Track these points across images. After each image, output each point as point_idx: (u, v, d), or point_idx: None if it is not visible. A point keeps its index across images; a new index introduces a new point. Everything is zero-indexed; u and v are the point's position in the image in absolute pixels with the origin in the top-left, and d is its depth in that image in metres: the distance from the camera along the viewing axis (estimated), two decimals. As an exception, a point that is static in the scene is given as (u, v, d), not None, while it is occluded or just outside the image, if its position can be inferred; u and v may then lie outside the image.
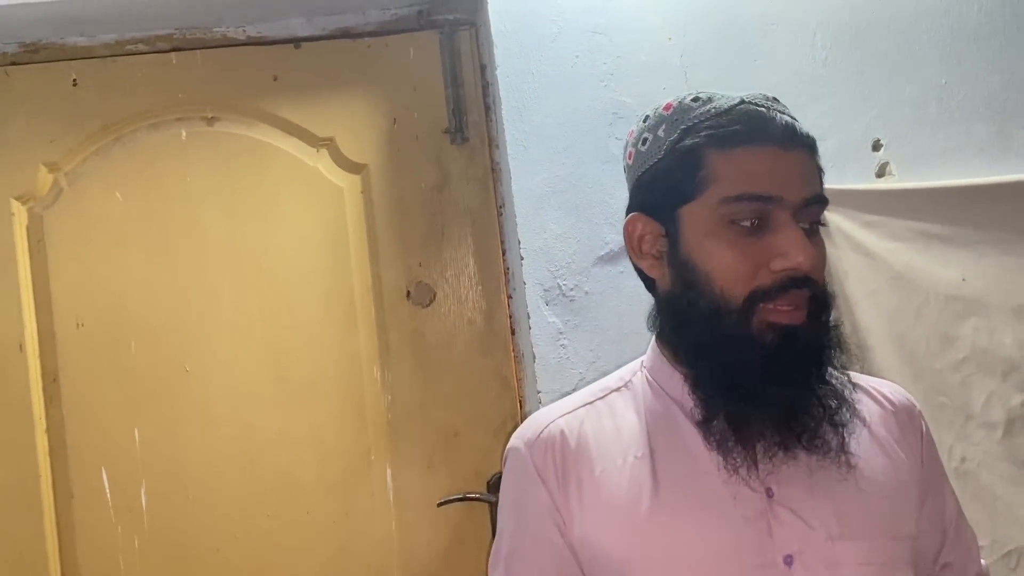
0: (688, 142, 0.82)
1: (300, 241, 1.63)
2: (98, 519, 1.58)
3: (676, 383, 0.87)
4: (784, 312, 0.80)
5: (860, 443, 0.86)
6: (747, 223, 0.80)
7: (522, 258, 1.48)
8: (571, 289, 1.48)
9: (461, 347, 1.64)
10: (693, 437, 0.84)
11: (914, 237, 1.44)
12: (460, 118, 1.63)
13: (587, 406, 0.90)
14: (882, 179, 1.48)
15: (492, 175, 1.65)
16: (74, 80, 1.63)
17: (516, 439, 0.91)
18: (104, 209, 1.62)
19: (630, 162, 0.90)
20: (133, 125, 1.63)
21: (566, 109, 1.49)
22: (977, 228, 1.44)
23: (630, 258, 0.90)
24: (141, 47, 1.65)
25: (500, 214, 1.64)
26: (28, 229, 1.61)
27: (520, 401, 1.63)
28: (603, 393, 0.92)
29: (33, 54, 1.63)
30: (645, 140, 0.87)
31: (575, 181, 1.49)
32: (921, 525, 0.89)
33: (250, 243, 1.62)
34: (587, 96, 1.48)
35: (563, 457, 0.86)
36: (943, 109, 1.48)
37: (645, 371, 0.91)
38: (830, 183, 1.44)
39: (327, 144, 1.64)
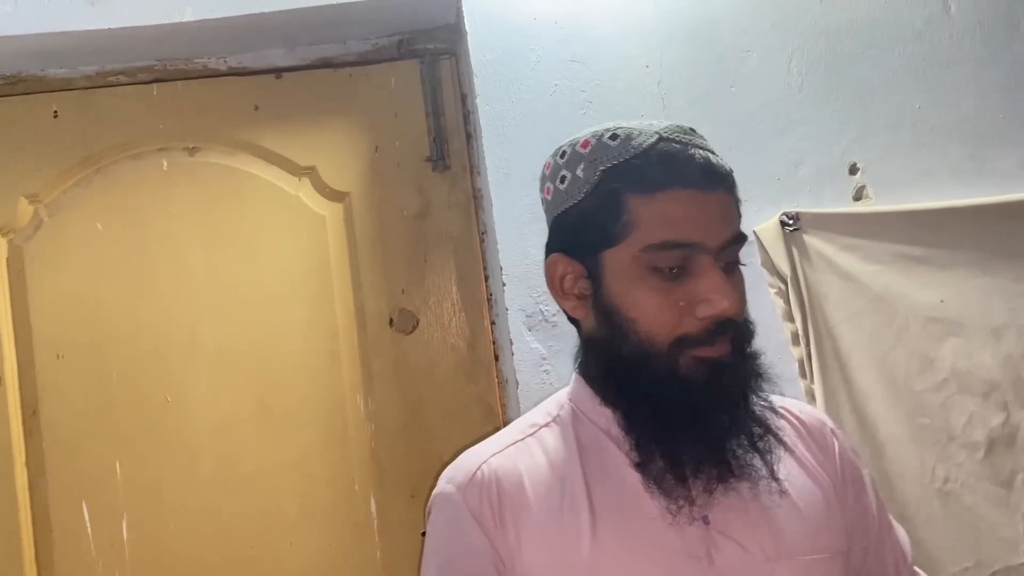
0: (609, 186, 0.82)
1: (282, 270, 1.63)
2: (79, 554, 1.56)
3: (605, 416, 0.86)
4: (710, 349, 0.80)
5: (786, 466, 0.87)
6: (669, 269, 0.80)
7: (504, 284, 1.48)
8: (553, 315, 1.48)
9: (445, 374, 1.63)
10: (628, 469, 0.83)
11: (892, 259, 1.46)
12: (441, 146, 1.64)
13: (517, 444, 0.89)
14: (859, 202, 1.49)
15: (474, 202, 1.65)
16: (55, 112, 1.63)
17: (445, 483, 0.88)
18: (85, 240, 1.62)
19: (548, 197, 0.89)
20: (114, 156, 1.64)
21: (546, 136, 1.49)
22: (953, 250, 1.45)
23: (553, 296, 0.89)
24: (122, 79, 1.65)
25: (482, 240, 1.64)
26: (8, 261, 1.61)
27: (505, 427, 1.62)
28: (532, 429, 0.90)
29: (14, 86, 1.64)
30: (564, 178, 0.86)
31: (556, 207, 1.49)
32: (850, 533, 0.90)
33: (232, 273, 1.62)
34: (566, 123, 1.49)
35: (499, 498, 0.84)
36: (917, 133, 1.50)
37: (572, 405, 0.90)
38: (809, 207, 1.47)
39: (309, 173, 1.65)
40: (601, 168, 0.83)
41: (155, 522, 1.58)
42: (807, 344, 1.44)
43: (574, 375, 0.93)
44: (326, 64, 1.67)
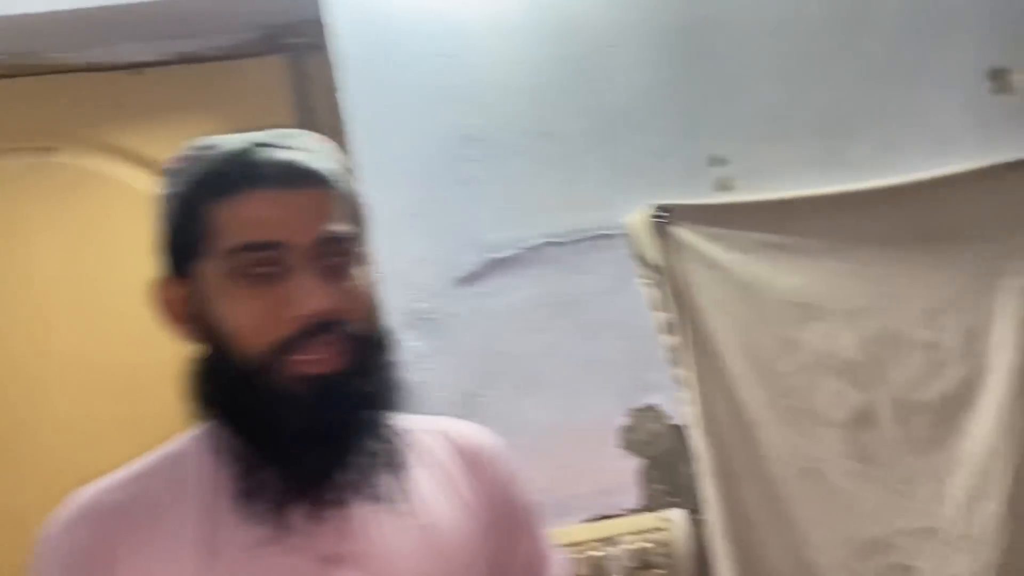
0: (191, 197, 0.80)
1: (145, 274, 1.56)
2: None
3: (210, 452, 0.81)
4: (313, 361, 0.76)
5: (423, 490, 0.84)
6: (258, 272, 0.77)
7: (380, 282, 1.46)
8: (431, 312, 1.47)
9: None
10: (233, 512, 0.78)
11: (756, 248, 1.51)
12: (313, 143, 1.60)
13: (135, 480, 0.83)
14: (724, 193, 1.54)
15: (349, 200, 1.62)
16: None
17: (49, 525, 0.82)
18: (-72, 247, 1.51)
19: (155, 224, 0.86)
20: (-40, 157, 1.54)
21: (417, 132, 1.49)
22: (814, 237, 1.52)
23: (168, 325, 0.85)
24: (-33, 74, 1.55)
25: (358, 239, 1.62)
26: None
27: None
28: (155, 464, 0.84)
29: None
30: (161, 198, 0.84)
31: (429, 204, 1.48)
32: (493, 566, 0.88)
33: (91, 278, 1.55)
34: (437, 119, 1.49)
35: (113, 537, 0.78)
36: (778, 126, 1.56)
37: (197, 439, 0.84)
38: (676, 199, 1.51)
39: (173, 173, 1.59)
40: (184, 181, 0.81)
41: (16, 546, 1.49)
42: (678, 332, 1.47)
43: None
44: (188, 59, 1.61)
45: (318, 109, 1.62)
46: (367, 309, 0.81)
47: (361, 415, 0.79)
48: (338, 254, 0.79)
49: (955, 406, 1.52)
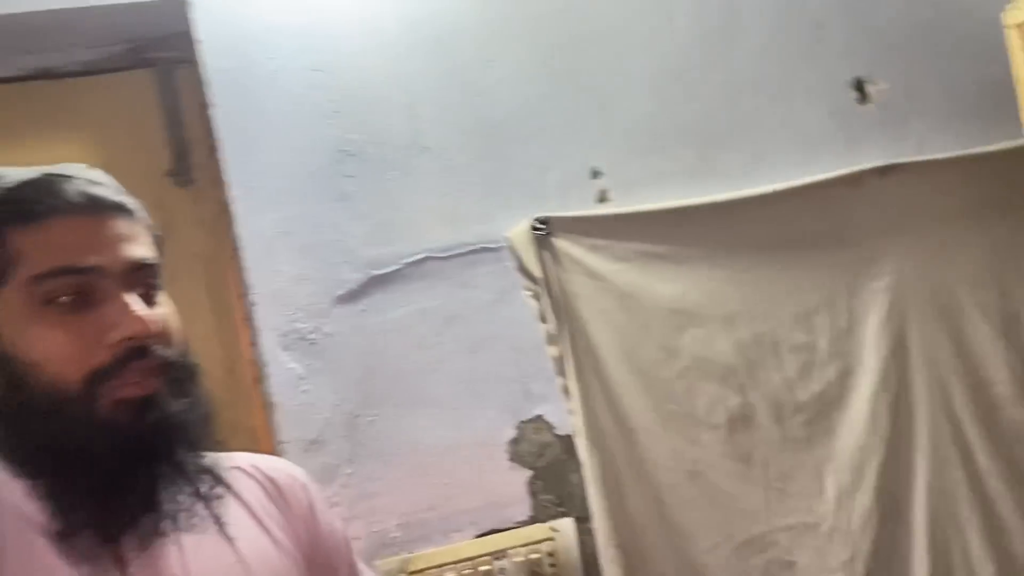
0: None
1: None
2: None
3: (17, 493, 0.76)
4: (132, 385, 0.76)
5: (239, 523, 0.84)
6: (67, 300, 0.75)
7: (254, 303, 1.42)
8: (311, 332, 1.44)
9: (201, 401, 1.54)
10: (58, 565, 0.74)
11: (636, 257, 1.53)
12: (184, 159, 1.55)
13: None
14: (603, 205, 1.56)
15: (224, 218, 1.57)
16: None
17: None
18: None
19: None
20: None
21: (292, 148, 1.45)
22: (689, 245, 1.55)
23: None
24: None
25: (235, 258, 1.57)
26: None
27: (271, 452, 1.56)
28: None
29: None
30: None
31: (306, 221, 1.45)
32: None
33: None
34: (312, 134, 1.46)
35: None
36: (652, 138, 1.59)
37: None
38: (557, 211, 1.52)
39: (33, 193, 1.51)
40: None
41: None
42: (562, 343, 1.48)
43: None
44: (47, 75, 1.53)
45: (189, 125, 1.57)
46: (175, 336, 0.81)
47: (178, 440, 0.78)
48: (145, 281, 0.79)
49: (828, 405, 1.58)
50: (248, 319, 1.56)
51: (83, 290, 0.75)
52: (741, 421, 1.54)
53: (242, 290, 1.56)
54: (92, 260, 0.76)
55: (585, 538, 1.49)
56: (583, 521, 1.49)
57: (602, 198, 1.56)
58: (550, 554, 1.46)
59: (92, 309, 0.75)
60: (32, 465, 0.76)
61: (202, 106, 1.57)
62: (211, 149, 1.57)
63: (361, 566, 1.00)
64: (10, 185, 0.77)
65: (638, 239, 1.53)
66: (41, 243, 0.75)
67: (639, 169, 1.58)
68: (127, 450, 0.75)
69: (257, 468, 0.91)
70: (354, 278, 1.46)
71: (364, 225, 1.47)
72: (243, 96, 1.44)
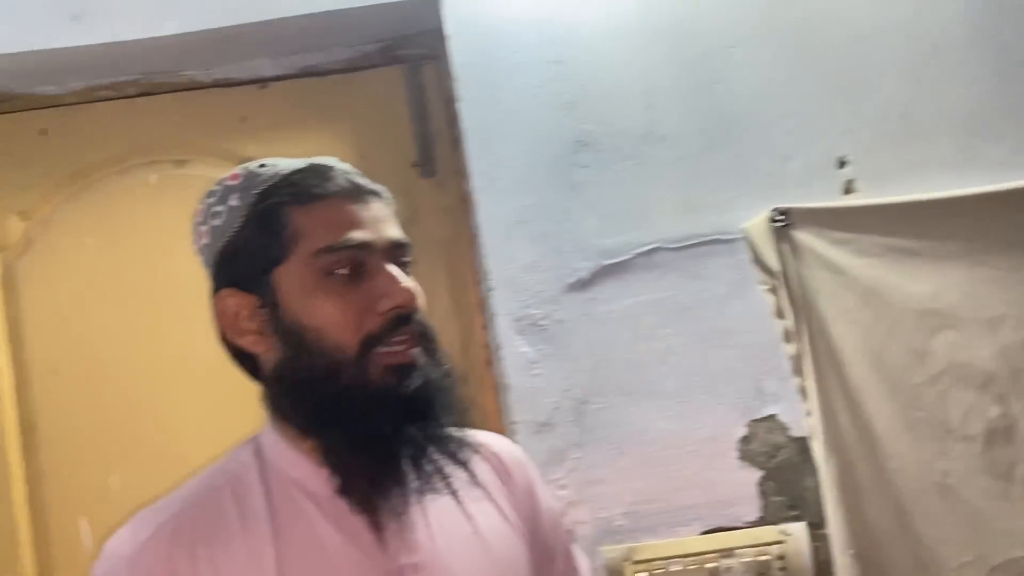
0: (267, 204, 0.83)
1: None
2: (79, 570, 1.56)
3: (301, 465, 0.84)
4: (398, 353, 0.82)
5: (474, 496, 0.88)
6: (344, 272, 0.82)
7: (492, 288, 1.47)
8: (542, 318, 1.48)
9: (437, 380, 1.63)
10: (324, 527, 0.81)
11: (884, 252, 1.44)
12: (428, 151, 1.64)
13: (197, 504, 0.83)
14: (849, 196, 1.47)
15: (464, 206, 1.65)
16: (43, 129, 1.64)
17: (113, 557, 0.81)
18: (76, 256, 1.62)
19: (207, 241, 0.88)
20: (102, 171, 1.64)
21: (530, 139, 1.49)
22: (945, 241, 1.43)
23: (224, 339, 0.88)
24: (109, 93, 1.66)
25: (473, 245, 1.64)
26: (1, 278, 1.61)
27: (501, 432, 1.62)
28: (219, 484, 0.85)
29: (3, 104, 1.64)
30: (217, 214, 0.86)
31: (541, 210, 1.49)
32: None
33: (222, 284, 1.62)
34: (551, 125, 1.49)
35: (176, 568, 0.78)
36: (906, 124, 1.48)
37: (264, 456, 0.86)
38: (796, 202, 1.46)
39: (297, 182, 1.65)
40: (255, 191, 0.84)
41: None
42: (800, 341, 1.42)
43: (266, 424, 0.88)
44: (310, 73, 1.67)
45: (434, 118, 1.65)
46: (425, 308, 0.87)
47: (437, 407, 0.83)
48: (400, 260, 0.85)
49: (1105, 422, 1.41)
50: (483, 303, 1.62)
51: (356, 263, 0.82)
52: (1001, 434, 1.41)
53: (478, 276, 1.63)
54: (364, 236, 0.82)
55: (818, 544, 1.42)
56: (816, 527, 1.42)
57: (848, 189, 1.48)
58: (780, 557, 1.41)
59: (364, 281, 0.82)
60: (313, 424, 0.83)
61: (446, 100, 1.65)
62: (453, 141, 1.65)
63: (575, 551, 1.02)
64: (286, 171, 0.85)
65: (887, 233, 1.43)
66: (320, 221, 0.82)
67: (890, 158, 1.47)
68: (396, 414, 0.81)
69: (484, 445, 0.94)
70: (585, 267, 1.48)
71: (596, 215, 1.48)
72: (487, 89, 1.49)
